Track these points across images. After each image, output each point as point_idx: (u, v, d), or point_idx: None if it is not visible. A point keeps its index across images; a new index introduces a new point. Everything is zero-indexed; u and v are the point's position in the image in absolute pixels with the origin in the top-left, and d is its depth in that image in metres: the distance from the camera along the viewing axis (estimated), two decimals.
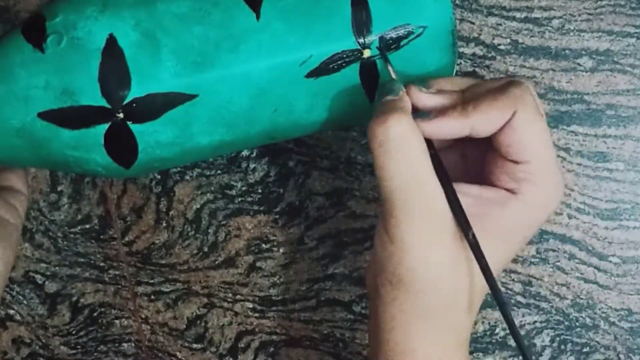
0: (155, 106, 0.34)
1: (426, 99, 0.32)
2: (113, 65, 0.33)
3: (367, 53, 0.34)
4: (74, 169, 0.35)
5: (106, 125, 0.33)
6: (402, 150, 0.30)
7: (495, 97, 0.31)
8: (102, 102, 0.33)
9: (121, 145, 0.34)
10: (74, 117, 0.33)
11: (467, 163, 0.35)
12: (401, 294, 0.32)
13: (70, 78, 0.33)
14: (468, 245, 0.31)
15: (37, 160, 0.36)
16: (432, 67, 0.36)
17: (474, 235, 0.31)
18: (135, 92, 0.33)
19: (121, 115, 0.33)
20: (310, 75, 0.34)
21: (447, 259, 0.31)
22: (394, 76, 0.34)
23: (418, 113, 0.31)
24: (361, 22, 0.34)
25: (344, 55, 0.34)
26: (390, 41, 0.35)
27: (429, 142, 0.31)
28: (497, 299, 0.31)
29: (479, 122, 0.31)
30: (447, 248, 0.31)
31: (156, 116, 0.34)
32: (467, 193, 0.32)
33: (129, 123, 0.34)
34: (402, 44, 0.35)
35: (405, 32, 0.35)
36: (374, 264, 0.33)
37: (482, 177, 0.33)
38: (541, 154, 0.31)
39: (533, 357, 0.31)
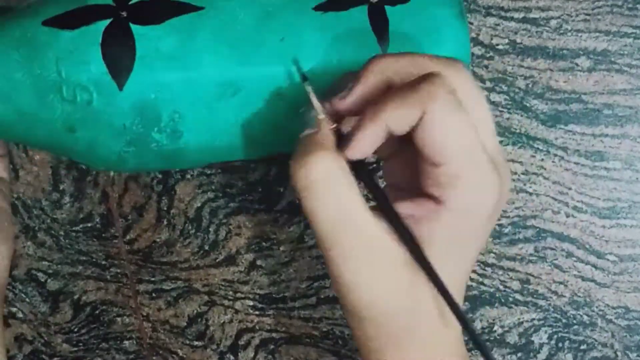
0: (160, 10, 0.34)
1: (349, 104, 0.30)
2: None
3: None
4: (65, 94, 0.34)
5: (107, 22, 0.33)
6: (327, 191, 0.28)
7: (402, 95, 0.28)
8: (108, 1, 0.34)
9: (119, 48, 0.34)
10: (77, 17, 0.33)
11: (411, 170, 0.31)
12: (367, 328, 0.30)
13: None
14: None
15: (28, 91, 0.34)
16: None
17: (421, 258, 0.29)
18: None
19: (124, 14, 0.33)
20: (318, 8, 0.34)
21: (400, 285, 0.29)
22: (314, 102, 0.30)
23: (340, 140, 0.29)
24: None
25: None
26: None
27: (363, 165, 0.29)
28: (457, 315, 0.28)
29: (390, 121, 0.28)
30: (397, 275, 0.29)
31: (160, 20, 0.34)
32: (400, 212, 0.29)
33: (130, 24, 0.34)
34: None
35: None
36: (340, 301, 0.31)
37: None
38: (459, 154, 0.28)
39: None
